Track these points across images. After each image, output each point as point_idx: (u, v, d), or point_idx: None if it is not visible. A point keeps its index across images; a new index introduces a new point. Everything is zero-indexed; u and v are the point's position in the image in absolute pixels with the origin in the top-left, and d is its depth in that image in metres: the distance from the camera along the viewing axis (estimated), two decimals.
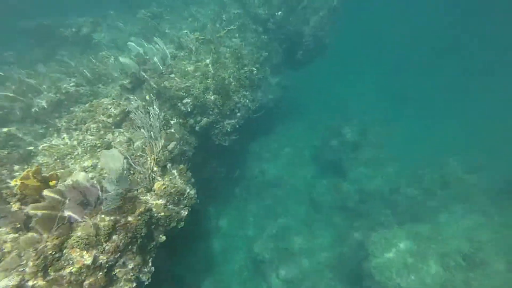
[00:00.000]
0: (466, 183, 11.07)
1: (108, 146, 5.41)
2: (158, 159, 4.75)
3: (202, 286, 9.69)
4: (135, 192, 4.21)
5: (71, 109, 8.25)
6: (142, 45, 8.82)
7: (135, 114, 5.02)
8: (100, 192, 3.63)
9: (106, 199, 3.54)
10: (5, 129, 6.59)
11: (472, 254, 8.20)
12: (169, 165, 5.15)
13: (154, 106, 5.53)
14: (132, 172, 4.70)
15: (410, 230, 9.01)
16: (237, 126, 9.07)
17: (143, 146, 5.25)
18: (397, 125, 15.86)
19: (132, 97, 7.12)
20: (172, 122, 7.43)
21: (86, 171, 4.89)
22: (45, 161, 5.15)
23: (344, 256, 10.07)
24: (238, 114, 9.02)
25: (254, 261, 10.32)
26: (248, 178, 13.04)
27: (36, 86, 8.67)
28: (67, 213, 3.33)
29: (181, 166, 5.81)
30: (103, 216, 3.54)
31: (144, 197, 4.34)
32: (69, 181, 4.36)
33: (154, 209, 4.29)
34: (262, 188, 12.90)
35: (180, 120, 7.82)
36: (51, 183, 3.85)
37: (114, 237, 3.49)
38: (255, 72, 9.71)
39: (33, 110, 8.23)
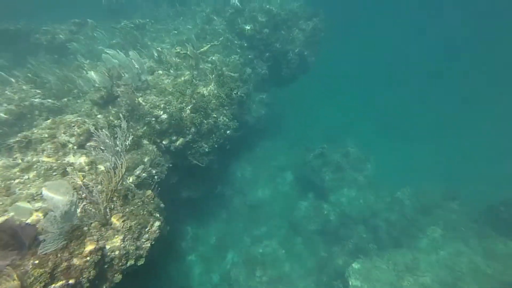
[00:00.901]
0: (446, 209, 11.07)
1: (65, 170, 4.86)
2: (118, 189, 4.26)
3: None
4: (85, 228, 3.69)
5: (35, 123, 7.66)
6: (118, 58, 8.38)
7: (98, 136, 4.54)
8: (36, 232, 3.10)
9: (45, 240, 3.01)
10: None
11: (452, 284, 8.02)
12: (130, 194, 4.64)
13: (122, 126, 5.06)
14: (88, 201, 4.18)
15: (390, 258, 8.78)
16: (216, 146, 8.66)
17: (104, 172, 4.73)
18: (379, 148, 15.92)
19: (99, 115, 6.61)
20: (144, 141, 6.95)
21: (35, 199, 4.33)
22: None
23: (323, 283, 9.66)
24: (217, 133, 8.63)
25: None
26: (227, 198, 12.54)
27: None
28: None
29: (149, 192, 5.32)
30: (37, 261, 2.99)
31: (97, 233, 3.82)
32: (8, 214, 3.81)
33: (108, 247, 3.77)
34: (241, 208, 12.44)
35: (155, 139, 7.35)
36: None
37: None
38: (236, 90, 9.42)
39: None
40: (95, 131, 4.57)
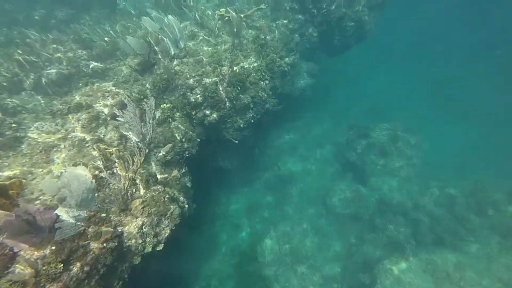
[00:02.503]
0: (509, 215, 9.60)
1: (95, 144, 4.90)
2: (138, 175, 4.17)
3: (200, 272, 9.55)
4: (103, 215, 3.70)
5: (80, 84, 7.90)
6: (159, 20, 8.04)
7: (123, 115, 4.40)
8: (56, 216, 3.13)
9: (61, 227, 3.04)
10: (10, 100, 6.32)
11: None
12: (152, 179, 4.54)
13: (149, 104, 4.85)
14: (112, 183, 4.17)
15: (429, 261, 8.02)
16: (252, 121, 8.25)
17: (122, 162, 4.61)
18: (433, 134, 14.05)
19: (134, 84, 6.48)
20: (177, 114, 6.78)
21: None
22: (29, 151, 4.76)
23: (348, 272, 9.36)
24: (254, 109, 8.16)
25: (254, 260, 9.92)
26: (261, 170, 12.39)
27: (48, 55, 8.32)
28: (8, 241, 2.86)
29: (175, 172, 5.22)
30: (54, 247, 3.06)
31: (116, 218, 3.83)
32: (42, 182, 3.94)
33: (125, 233, 3.78)
34: (275, 182, 12.25)
35: (188, 112, 7.15)
36: (12, 193, 3.41)
37: (64, 275, 3.02)
38: (278, 62, 8.63)
39: (43, 81, 7.97)
40: (119, 111, 4.41)
